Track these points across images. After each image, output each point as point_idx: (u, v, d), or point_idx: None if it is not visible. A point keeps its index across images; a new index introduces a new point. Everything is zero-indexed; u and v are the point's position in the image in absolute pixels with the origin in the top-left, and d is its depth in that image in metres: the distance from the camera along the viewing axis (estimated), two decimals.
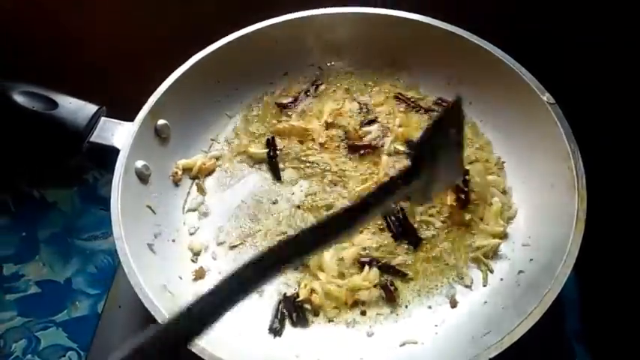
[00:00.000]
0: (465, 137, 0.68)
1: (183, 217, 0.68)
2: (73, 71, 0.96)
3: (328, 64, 0.78)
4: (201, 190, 0.70)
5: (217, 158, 0.72)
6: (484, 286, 0.61)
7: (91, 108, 0.64)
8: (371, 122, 0.72)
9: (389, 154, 0.69)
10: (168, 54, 0.68)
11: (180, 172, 0.69)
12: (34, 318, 1.12)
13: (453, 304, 0.60)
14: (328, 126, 0.72)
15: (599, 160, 0.61)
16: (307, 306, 0.60)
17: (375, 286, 0.60)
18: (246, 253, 0.65)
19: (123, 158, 0.62)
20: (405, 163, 0.68)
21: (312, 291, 0.60)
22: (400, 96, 0.75)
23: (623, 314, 0.76)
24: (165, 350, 0.33)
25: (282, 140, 0.72)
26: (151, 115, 0.66)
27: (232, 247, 0.65)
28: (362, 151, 0.70)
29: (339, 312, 0.60)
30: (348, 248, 0.63)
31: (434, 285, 0.61)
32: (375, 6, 0.74)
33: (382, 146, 0.70)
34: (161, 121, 0.67)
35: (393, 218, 0.64)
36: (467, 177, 0.65)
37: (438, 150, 0.48)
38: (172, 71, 0.69)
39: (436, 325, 0.59)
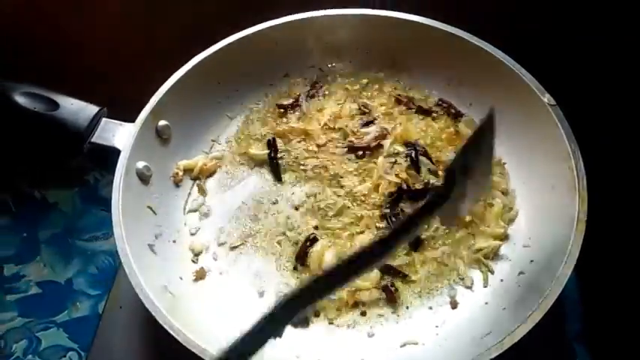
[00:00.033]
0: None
1: (184, 218, 0.68)
2: (74, 73, 0.96)
3: (328, 66, 0.78)
4: (202, 191, 0.70)
5: (218, 159, 0.72)
6: (485, 287, 0.61)
7: (92, 109, 0.65)
8: (370, 123, 0.72)
9: (388, 156, 0.69)
10: (168, 55, 0.68)
11: (181, 173, 0.70)
12: (35, 318, 1.12)
13: (454, 304, 0.60)
14: (328, 127, 0.72)
15: (600, 161, 0.61)
16: None
17: (375, 287, 0.60)
18: (247, 254, 0.65)
19: (124, 159, 0.62)
20: (403, 164, 0.68)
21: None
22: (400, 97, 0.75)
23: (624, 315, 0.75)
24: None
25: (283, 141, 0.72)
26: (152, 116, 0.66)
27: (233, 248, 0.65)
28: (361, 153, 0.70)
29: (340, 313, 0.60)
30: (349, 248, 0.63)
31: (434, 286, 0.61)
32: (375, 7, 0.74)
33: (382, 148, 0.70)
34: (162, 122, 0.68)
35: (393, 219, 0.64)
36: None
37: (469, 170, 0.48)
38: (173, 72, 0.69)
39: (437, 326, 0.59)
